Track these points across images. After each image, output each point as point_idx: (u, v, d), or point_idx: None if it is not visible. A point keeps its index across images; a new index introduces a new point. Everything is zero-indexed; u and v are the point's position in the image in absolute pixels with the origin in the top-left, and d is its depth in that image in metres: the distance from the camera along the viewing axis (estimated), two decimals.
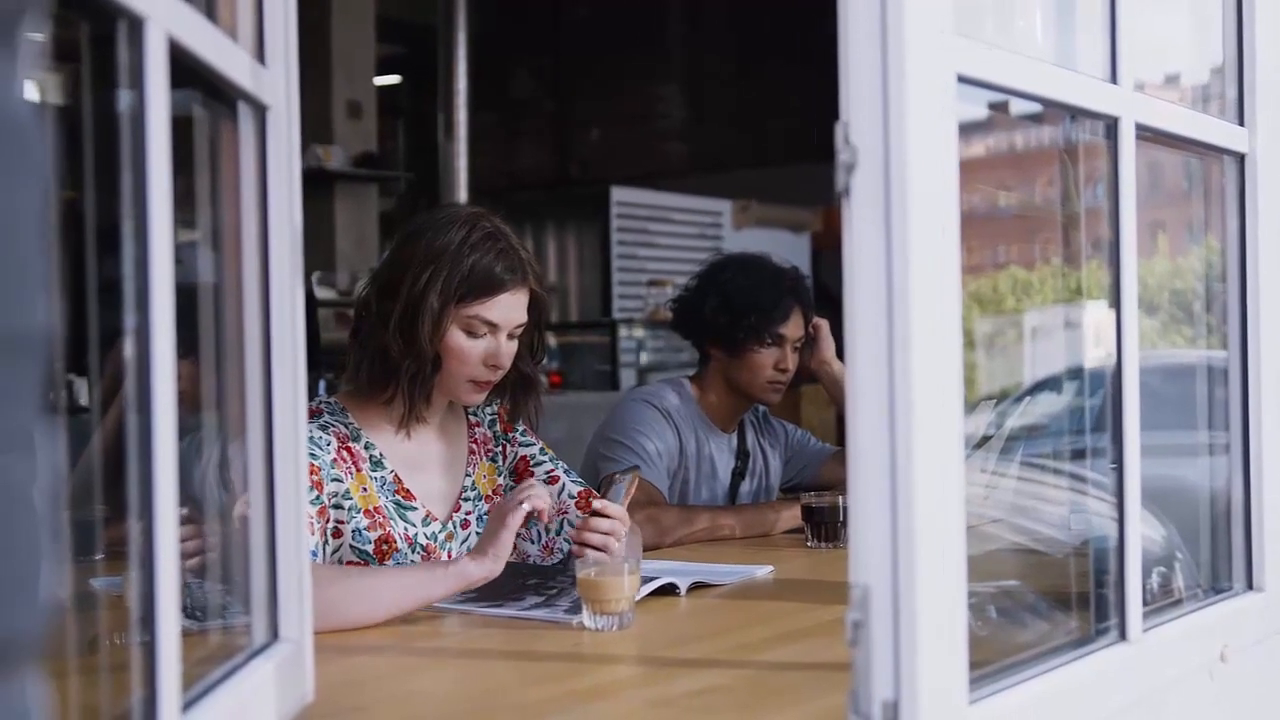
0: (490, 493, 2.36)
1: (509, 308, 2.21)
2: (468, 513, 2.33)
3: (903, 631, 1.16)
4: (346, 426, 2.21)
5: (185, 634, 1.07)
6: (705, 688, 1.58)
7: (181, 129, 1.09)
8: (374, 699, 1.58)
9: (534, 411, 2.37)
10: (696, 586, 2.18)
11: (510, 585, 2.09)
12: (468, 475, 2.34)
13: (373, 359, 2.20)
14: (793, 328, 3.01)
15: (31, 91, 0.60)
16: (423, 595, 1.95)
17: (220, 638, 1.43)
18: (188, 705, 1.10)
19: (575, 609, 1.91)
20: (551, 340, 7.62)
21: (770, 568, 2.37)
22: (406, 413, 2.23)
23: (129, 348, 1.01)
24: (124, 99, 1.02)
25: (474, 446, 2.37)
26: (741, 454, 3.14)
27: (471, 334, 2.19)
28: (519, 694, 1.58)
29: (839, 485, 2.95)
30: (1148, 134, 1.57)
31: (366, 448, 2.21)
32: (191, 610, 1.36)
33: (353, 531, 2.14)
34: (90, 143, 1.06)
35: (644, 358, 7.51)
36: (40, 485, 0.59)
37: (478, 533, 2.30)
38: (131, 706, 1.02)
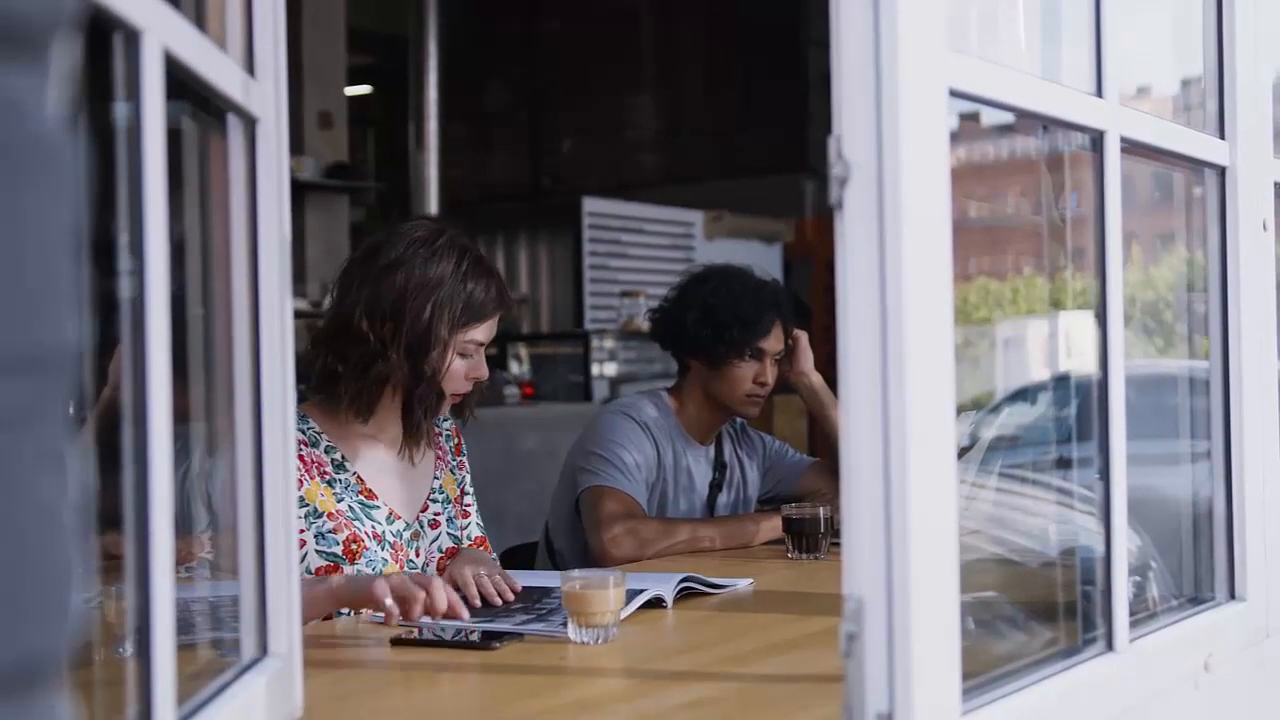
0: (454, 498, 2.44)
1: (493, 326, 2.32)
2: (436, 513, 2.39)
3: (897, 643, 1.16)
4: (304, 432, 2.24)
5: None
6: (695, 700, 1.57)
7: (170, 141, 1.08)
8: (362, 714, 1.57)
9: (474, 404, 2.43)
10: (684, 594, 2.19)
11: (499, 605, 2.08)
12: (436, 478, 2.41)
13: (375, 385, 2.25)
14: (773, 342, 3.01)
15: (61, 108, 0.60)
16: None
17: (208, 653, 1.42)
18: None
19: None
20: (523, 351, 7.60)
21: (750, 580, 2.37)
22: (414, 438, 2.31)
23: (125, 361, 1.00)
24: (119, 110, 1.01)
25: (440, 452, 2.45)
26: (719, 466, 3.14)
27: (463, 355, 2.28)
28: (508, 708, 1.57)
29: (817, 496, 2.96)
30: (1131, 147, 1.58)
31: (327, 451, 2.25)
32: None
33: (316, 536, 2.18)
34: (83, 153, 1.05)
35: (617, 369, 7.50)
36: (68, 503, 0.59)
37: (449, 533, 2.39)
38: None
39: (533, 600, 2.14)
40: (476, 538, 2.44)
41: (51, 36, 0.58)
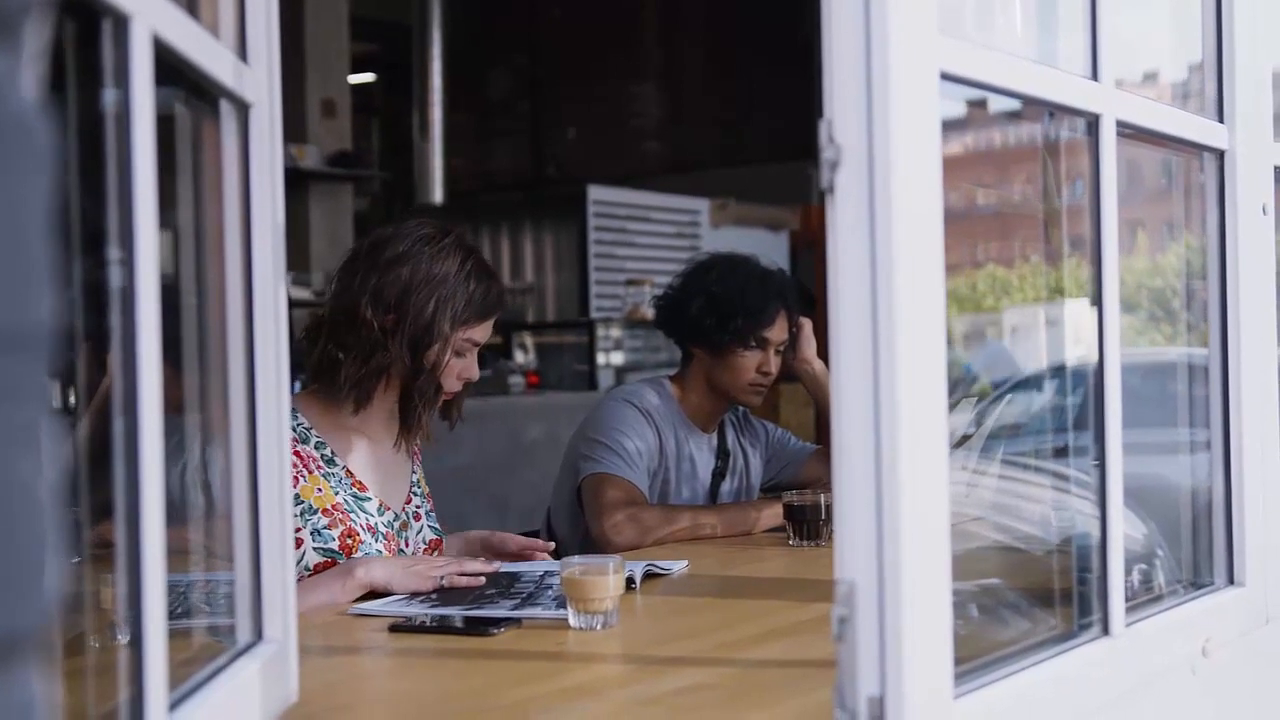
0: (427, 493, 2.49)
1: (490, 328, 2.36)
2: (417, 506, 2.44)
3: (888, 627, 1.16)
4: (294, 429, 2.25)
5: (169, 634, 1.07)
6: (691, 685, 1.58)
7: (161, 127, 1.08)
8: (358, 699, 1.57)
9: (461, 406, 2.45)
10: (650, 576, 2.23)
11: (473, 594, 2.07)
12: (414, 472, 2.46)
13: (374, 375, 2.27)
14: (777, 331, 3.01)
15: (35, 88, 0.60)
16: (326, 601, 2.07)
17: (203, 638, 1.43)
18: (174, 705, 1.09)
19: (563, 604, 1.90)
20: (528, 340, 7.61)
21: (685, 563, 2.39)
22: (411, 430, 2.33)
23: (115, 350, 1.00)
24: (107, 97, 1.01)
25: (416, 450, 2.48)
26: (722, 453, 3.14)
27: (458, 354, 2.31)
28: (504, 693, 1.57)
29: (820, 484, 2.96)
30: (1128, 131, 1.58)
31: (317, 447, 2.28)
32: (172, 610, 1.36)
33: (312, 533, 2.19)
34: (71, 141, 1.05)
35: (622, 357, 7.49)
36: (45, 481, 0.59)
37: (430, 525, 2.44)
38: (118, 706, 1.02)
39: (506, 586, 2.13)
40: (432, 539, 2.45)
41: (24, 18, 0.58)
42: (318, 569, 2.19)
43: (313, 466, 2.25)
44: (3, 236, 0.55)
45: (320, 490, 2.24)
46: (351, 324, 2.25)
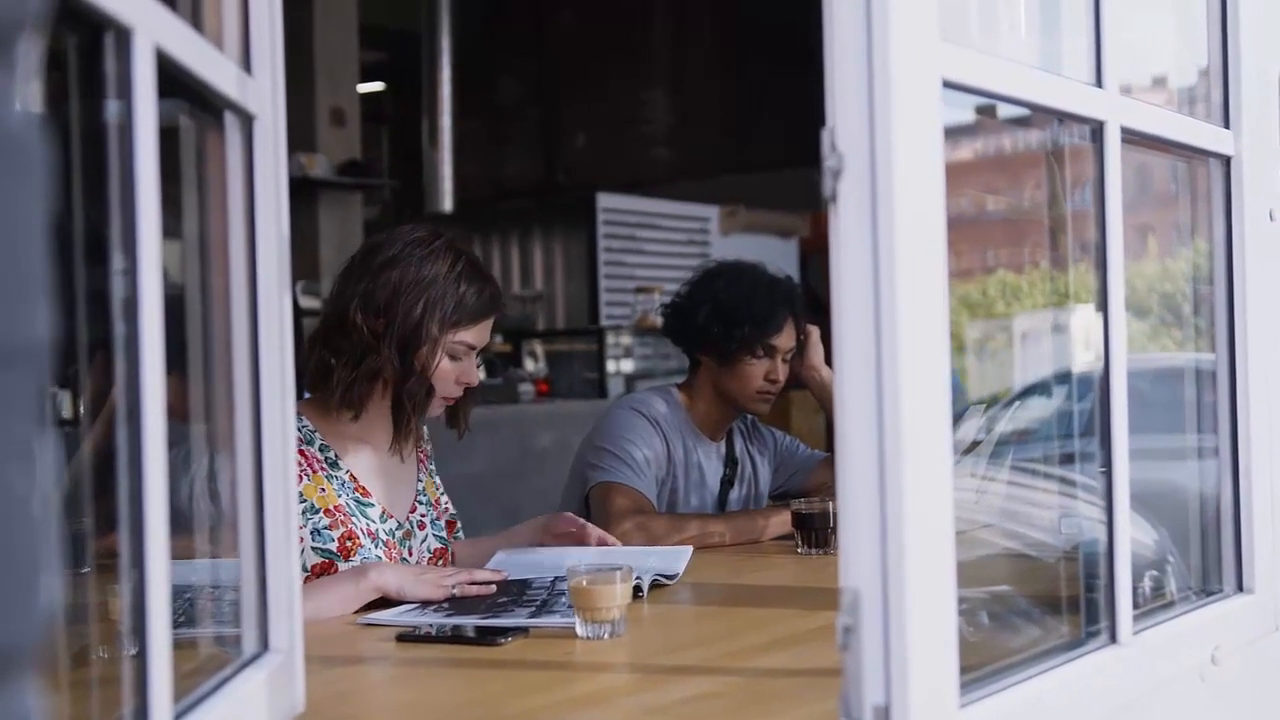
0: (434, 501, 2.48)
1: (487, 331, 2.35)
2: (422, 515, 2.43)
3: (893, 635, 1.16)
4: (299, 431, 2.25)
5: (174, 644, 1.07)
6: (697, 694, 1.57)
7: (167, 139, 1.09)
8: (364, 709, 1.57)
9: (468, 415, 2.45)
10: (656, 586, 2.23)
11: (486, 603, 2.07)
12: (419, 480, 2.45)
13: (365, 379, 2.27)
14: (785, 339, 3.00)
15: (30, 102, 0.60)
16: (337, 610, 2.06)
17: (209, 648, 1.43)
18: (179, 716, 1.09)
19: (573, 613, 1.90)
20: (538, 348, 7.60)
21: (689, 549, 2.41)
22: (403, 434, 2.33)
23: (118, 360, 1.00)
24: (110, 109, 1.02)
25: (421, 457, 2.48)
26: (730, 462, 3.14)
27: (453, 357, 2.31)
28: (511, 703, 1.57)
29: (828, 491, 2.96)
30: (1133, 137, 1.58)
31: (321, 450, 2.28)
32: (178, 619, 1.36)
33: (313, 533, 2.20)
34: (75, 152, 1.05)
35: (632, 365, 7.49)
36: (40, 495, 0.59)
37: (434, 534, 2.43)
38: (123, 717, 1.02)
39: (518, 594, 2.13)
40: (437, 549, 2.45)
41: (18, 34, 0.58)
42: (315, 570, 2.19)
43: (316, 467, 2.26)
44: None
45: (323, 490, 2.25)
46: (343, 329, 2.26)
